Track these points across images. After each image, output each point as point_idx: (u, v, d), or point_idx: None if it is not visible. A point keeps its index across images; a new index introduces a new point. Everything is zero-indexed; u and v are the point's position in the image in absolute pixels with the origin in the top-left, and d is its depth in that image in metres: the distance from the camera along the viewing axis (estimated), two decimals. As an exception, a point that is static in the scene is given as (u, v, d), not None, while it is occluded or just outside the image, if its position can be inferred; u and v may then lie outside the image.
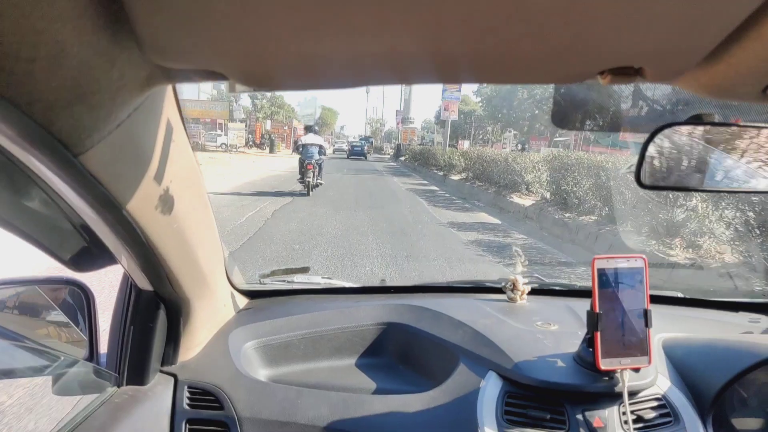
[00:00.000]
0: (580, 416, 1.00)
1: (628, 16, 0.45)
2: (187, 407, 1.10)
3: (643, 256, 1.03)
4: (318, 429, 1.06)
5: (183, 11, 0.46)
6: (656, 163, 0.80)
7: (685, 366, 1.15)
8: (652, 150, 0.79)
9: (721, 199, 6.20)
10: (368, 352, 1.32)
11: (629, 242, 7.04)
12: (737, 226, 5.87)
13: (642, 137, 0.79)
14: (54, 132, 0.51)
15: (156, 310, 1.05)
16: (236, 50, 0.54)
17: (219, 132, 37.66)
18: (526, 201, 11.77)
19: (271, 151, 38.30)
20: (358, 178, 21.21)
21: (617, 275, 1.01)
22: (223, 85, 0.64)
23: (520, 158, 14.04)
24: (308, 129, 13.70)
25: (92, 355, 1.11)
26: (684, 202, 6.75)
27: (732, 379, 1.07)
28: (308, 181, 12.48)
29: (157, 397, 1.07)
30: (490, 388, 1.07)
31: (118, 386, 1.06)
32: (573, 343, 1.11)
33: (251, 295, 1.51)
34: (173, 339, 1.11)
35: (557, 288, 1.64)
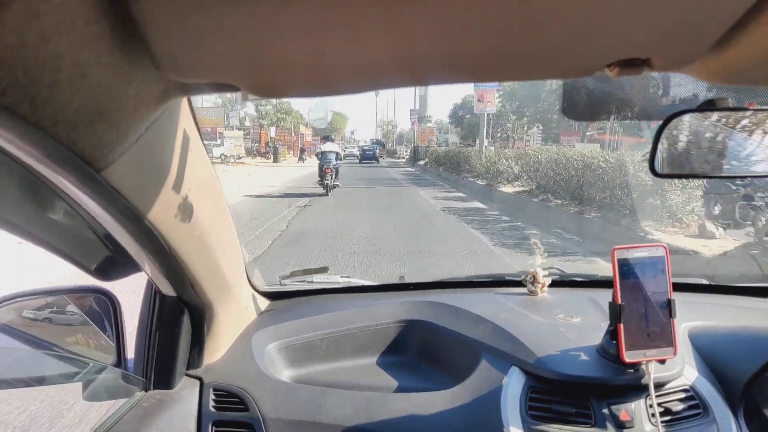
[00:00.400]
0: (606, 410, 0.99)
1: (633, 8, 0.45)
2: (213, 409, 1.12)
3: (664, 245, 1.01)
4: (342, 428, 1.07)
5: (196, 29, 0.48)
6: (670, 150, 0.80)
7: (712, 355, 1.13)
8: (665, 138, 0.78)
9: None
10: (389, 350, 1.33)
11: None
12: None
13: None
14: (77, 150, 0.53)
15: (180, 315, 1.07)
16: (248, 63, 0.55)
17: (216, 141, 31.85)
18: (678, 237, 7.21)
19: (275, 160, 35.07)
20: (372, 192, 16.22)
21: (638, 265, 1.00)
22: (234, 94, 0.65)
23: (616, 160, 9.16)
24: (326, 139, 16.86)
25: (120, 360, 1.14)
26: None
27: (762, 368, 1.04)
28: (327, 183, 14.84)
29: (184, 401, 1.10)
30: (514, 383, 1.06)
31: (146, 390, 1.09)
32: (596, 336, 1.09)
33: (272, 296, 1.52)
34: (198, 343, 1.13)
35: (578, 279, 1.63)
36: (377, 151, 45.98)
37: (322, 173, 14.95)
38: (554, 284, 1.50)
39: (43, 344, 1.17)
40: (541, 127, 36.57)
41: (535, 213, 10.77)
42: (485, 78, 0.61)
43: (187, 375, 1.14)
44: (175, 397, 1.09)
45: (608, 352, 1.04)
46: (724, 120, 0.81)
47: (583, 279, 1.63)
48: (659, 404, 0.99)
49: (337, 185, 15.34)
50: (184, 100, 0.76)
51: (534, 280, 1.46)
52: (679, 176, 0.85)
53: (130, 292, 1.32)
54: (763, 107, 0.78)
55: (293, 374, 1.25)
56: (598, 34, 0.50)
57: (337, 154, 15.75)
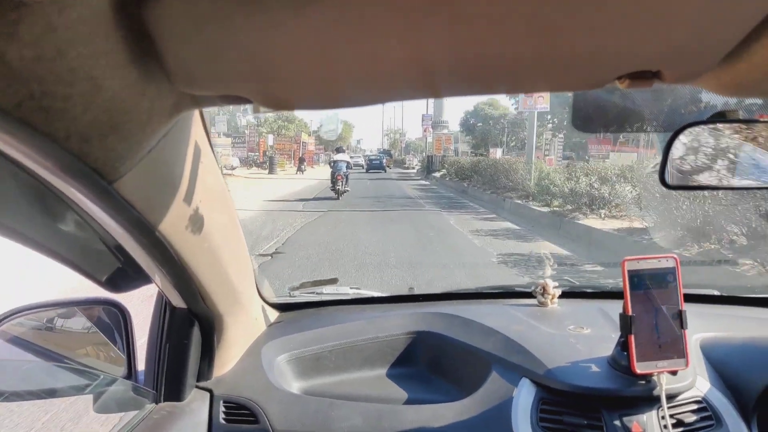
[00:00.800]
0: (617, 422, 0.98)
1: (644, 21, 0.45)
2: (223, 422, 1.12)
3: (675, 256, 1.01)
4: None
5: (209, 42, 0.48)
6: (680, 162, 0.80)
7: (724, 367, 1.12)
8: (675, 150, 0.78)
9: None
10: (399, 361, 1.33)
11: None
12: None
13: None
14: (89, 162, 0.54)
15: (190, 327, 1.07)
16: (260, 76, 0.56)
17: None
18: None
19: (271, 171, 30.62)
20: (384, 220, 11.06)
21: (649, 276, 1.00)
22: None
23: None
24: (338, 150, 18.67)
25: (130, 372, 1.15)
26: None
27: None
28: (338, 188, 16.66)
29: (194, 413, 1.10)
30: (524, 395, 1.06)
31: (156, 403, 1.09)
32: (607, 347, 1.09)
33: (282, 308, 1.53)
34: (208, 355, 1.14)
35: (588, 290, 1.62)
36: (384, 160, 44.60)
37: (333, 180, 16.89)
38: (564, 295, 1.49)
39: (54, 356, 1.18)
40: (562, 136, 31.75)
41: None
42: (497, 90, 0.62)
43: (197, 387, 1.14)
44: (185, 409, 1.09)
45: (619, 363, 1.03)
46: (734, 132, 0.81)
47: (594, 290, 1.62)
48: (671, 416, 0.98)
49: (347, 190, 17.02)
50: (196, 113, 0.77)
51: (544, 291, 1.45)
52: (690, 188, 0.84)
53: (141, 303, 1.32)
54: None
55: (303, 386, 1.25)
56: (609, 48, 0.50)
57: (348, 163, 17.76)
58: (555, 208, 11.28)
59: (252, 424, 1.11)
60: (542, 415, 1.02)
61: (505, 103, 41.79)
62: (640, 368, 0.97)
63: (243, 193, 16.30)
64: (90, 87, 0.47)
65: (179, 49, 0.50)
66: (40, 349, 1.20)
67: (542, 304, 1.44)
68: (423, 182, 28.67)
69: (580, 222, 9.43)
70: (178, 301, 1.03)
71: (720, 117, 0.73)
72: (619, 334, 1.03)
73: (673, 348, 0.98)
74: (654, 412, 0.99)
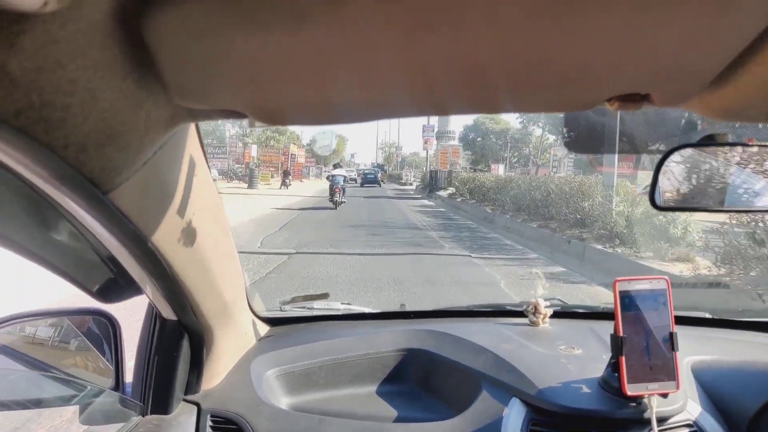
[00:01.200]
0: None
1: (633, 46, 0.46)
2: None
3: (666, 278, 1.01)
4: None
5: (206, 56, 0.49)
6: (670, 184, 0.81)
7: (716, 390, 1.12)
8: (665, 172, 0.79)
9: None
10: (389, 378, 1.32)
11: None
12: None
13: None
14: (85, 172, 0.54)
15: (180, 340, 1.07)
16: (256, 91, 0.57)
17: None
18: None
19: (251, 185, 26.41)
20: (386, 283, 6.21)
21: (640, 297, 1.00)
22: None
23: None
24: (335, 166, 20.87)
25: (118, 384, 1.14)
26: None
27: (767, 404, 1.03)
28: (336, 200, 18.00)
29: (181, 427, 1.09)
30: (514, 415, 1.05)
31: (143, 415, 1.08)
32: (598, 368, 1.09)
33: (272, 322, 1.52)
34: (196, 367, 1.13)
35: (579, 311, 1.62)
36: (379, 175, 43.63)
37: (332, 191, 18.43)
38: (556, 315, 1.49)
39: (42, 366, 1.17)
40: (568, 153, 28.67)
41: None
42: (482, 110, 0.62)
43: (184, 400, 1.13)
44: (172, 422, 1.08)
45: (610, 384, 1.03)
46: (724, 155, 0.82)
47: (585, 310, 1.62)
48: None
49: (344, 202, 18.50)
50: (192, 126, 0.78)
51: (535, 310, 1.45)
52: (680, 209, 0.85)
53: (131, 314, 1.31)
54: (763, 143, 0.79)
55: (292, 402, 1.24)
56: (599, 70, 0.51)
57: (345, 177, 20.07)
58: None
59: None
60: None
61: (507, 117, 38.75)
62: (630, 390, 0.97)
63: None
64: (88, 97, 0.48)
65: (176, 63, 0.51)
66: (28, 358, 1.19)
67: (533, 324, 1.44)
68: (426, 202, 23.73)
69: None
70: (168, 313, 1.03)
71: (710, 140, 0.74)
72: (609, 354, 1.03)
73: (664, 370, 0.98)
74: None
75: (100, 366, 1.18)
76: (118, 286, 0.91)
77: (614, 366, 1.01)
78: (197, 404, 1.13)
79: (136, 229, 0.70)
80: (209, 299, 1.02)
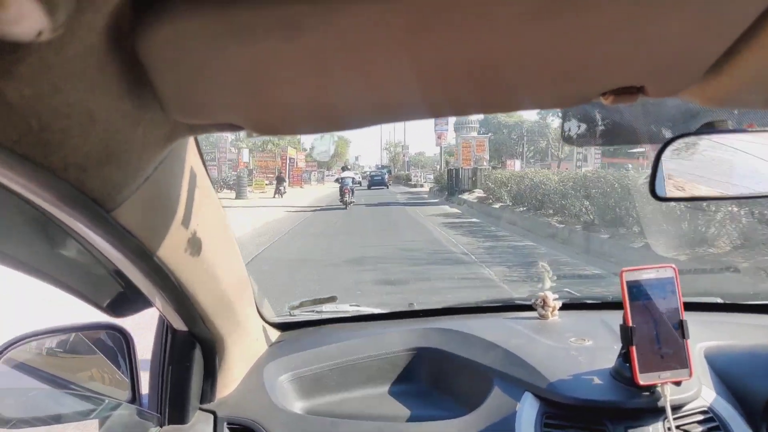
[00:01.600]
0: None
1: (626, 38, 0.46)
2: None
3: (673, 266, 1.01)
4: None
5: (202, 72, 0.49)
6: (671, 174, 0.80)
7: (730, 375, 1.11)
8: (665, 161, 0.79)
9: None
10: (400, 378, 1.32)
11: None
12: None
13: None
14: (87, 192, 0.55)
15: (192, 350, 1.08)
16: (253, 103, 0.57)
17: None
18: None
19: (239, 195, 23.13)
20: None
21: (648, 286, 1.00)
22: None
23: None
24: (344, 168, 22.99)
25: (134, 396, 1.15)
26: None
27: None
28: (346, 200, 19.45)
29: None
30: (527, 409, 1.05)
31: (161, 426, 1.09)
32: (609, 359, 1.09)
33: (282, 327, 1.53)
34: (210, 376, 1.14)
35: (589, 302, 1.62)
36: (386, 176, 42.08)
37: (342, 193, 19.86)
38: (565, 307, 1.49)
39: (59, 382, 1.18)
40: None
41: None
42: (479, 110, 0.62)
43: (200, 409, 1.14)
44: None
45: (622, 375, 1.03)
46: (724, 142, 0.82)
47: (594, 301, 1.62)
48: (677, 427, 0.98)
49: (353, 201, 19.82)
50: (191, 139, 0.78)
51: (544, 303, 1.45)
52: (681, 199, 0.85)
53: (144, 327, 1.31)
54: (764, 129, 0.79)
55: (305, 405, 1.25)
56: (592, 64, 0.51)
57: (353, 179, 21.84)
58: None
59: None
60: (546, 429, 1.02)
61: (519, 109, 37.62)
62: (643, 379, 0.97)
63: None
64: (86, 119, 0.48)
65: (172, 80, 0.51)
66: (45, 375, 1.21)
67: (543, 317, 1.44)
68: (448, 209, 18.62)
69: None
70: (179, 324, 1.04)
71: (709, 128, 0.74)
72: (620, 345, 1.03)
73: (675, 358, 0.98)
74: (659, 424, 0.98)
75: (116, 379, 1.19)
76: (127, 300, 0.92)
77: (625, 356, 1.01)
78: (213, 412, 1.15)
79: (142, 244, 0.71)
80: (219, 309, 1.03)
